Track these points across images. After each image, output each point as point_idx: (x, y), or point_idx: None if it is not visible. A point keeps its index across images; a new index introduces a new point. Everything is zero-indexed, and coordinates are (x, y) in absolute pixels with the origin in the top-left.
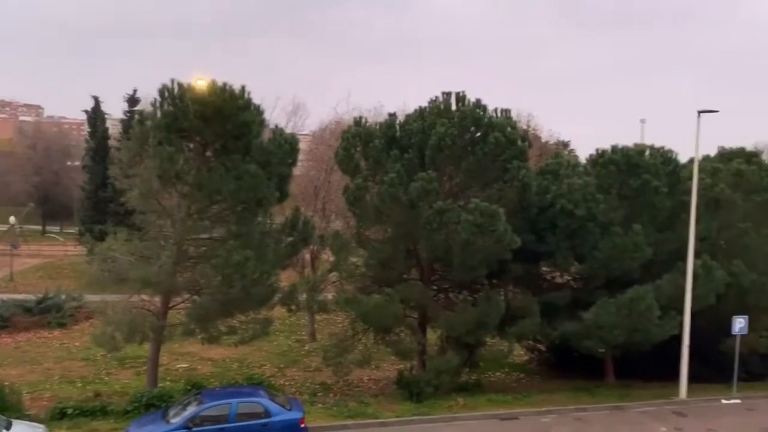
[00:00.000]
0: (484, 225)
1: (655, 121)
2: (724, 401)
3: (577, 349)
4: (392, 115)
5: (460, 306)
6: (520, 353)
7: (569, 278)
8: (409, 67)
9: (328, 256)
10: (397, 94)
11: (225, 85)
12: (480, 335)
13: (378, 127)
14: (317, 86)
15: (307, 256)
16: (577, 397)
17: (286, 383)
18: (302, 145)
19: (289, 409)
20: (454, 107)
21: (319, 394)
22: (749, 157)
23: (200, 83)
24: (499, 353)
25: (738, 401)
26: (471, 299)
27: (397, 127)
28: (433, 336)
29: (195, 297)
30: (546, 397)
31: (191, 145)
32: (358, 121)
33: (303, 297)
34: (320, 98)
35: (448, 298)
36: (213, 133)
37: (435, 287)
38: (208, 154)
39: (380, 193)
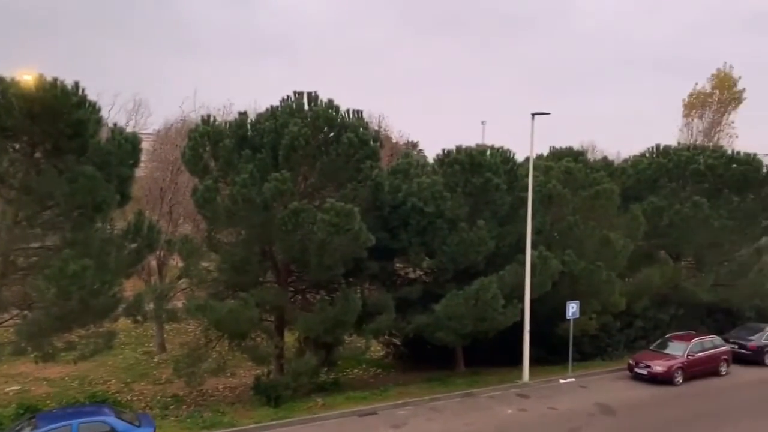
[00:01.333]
0: (339, 224)
1: (494, 121)
2: (561, 381)
3: (430, 340)
4: (243, 114)
5: (317, 306)
6: (377, 349)
7: (421, 273)
8: (256, 66)
9: (176, 262)
10: (246, 92)
11: (56, 80)
12: (338, 334)
13: (228, 126)
14: (159, 85)
15: (154, 263)
16: (432, 388)
17: (135, 398)
18: (145, 145)
19: (138, 426)
20: (306, 107)
21: (171, 407)
22: (576, 155)
23: (26, 78)
24: (357, 350)
25: (573, 380)
26: (328, 299)
27: (249, 126)
28: (290, 338)
29: (26, 312)
30: (402, 390)
31: (17, 146)
32: (206, 120)
33: (150, 306)
34: (164, 96)
35: (305, 299)
36: (42, 133)
37: (292, 289)
38: (38, 155)
39: (232, 194)
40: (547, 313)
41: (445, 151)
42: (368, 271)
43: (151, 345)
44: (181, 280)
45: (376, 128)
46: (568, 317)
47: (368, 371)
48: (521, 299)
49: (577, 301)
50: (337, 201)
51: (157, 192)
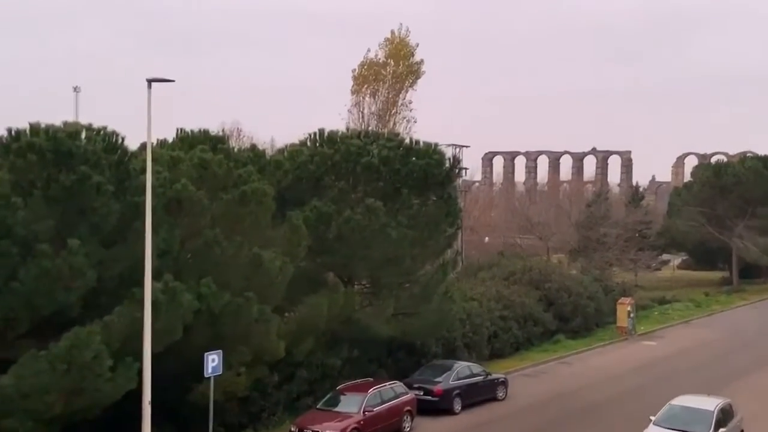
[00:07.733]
0: None
1: (94, 89)
2: None
3: None
4: None
5: None
6: None
7: None
8: None
9: None
10: None
11: None
12: None
13: None
14: None
15: None
16: None
17: None
18: None
19: None
20: None
21: None
22: (215, 142)
23: None
24: None
25: None
26: None
27: None
28: None
29: None
30: None
31: None
32: None
33: None
34: None
35: None
36: None
37: None
38: None
39: None
40: (177, 372)
41: (14, 133)
42: None
43: None
44: None
45: None
46: (206, 374)
47: None
48: (139, 355)
49: (220, 351)
50: None
51: None
